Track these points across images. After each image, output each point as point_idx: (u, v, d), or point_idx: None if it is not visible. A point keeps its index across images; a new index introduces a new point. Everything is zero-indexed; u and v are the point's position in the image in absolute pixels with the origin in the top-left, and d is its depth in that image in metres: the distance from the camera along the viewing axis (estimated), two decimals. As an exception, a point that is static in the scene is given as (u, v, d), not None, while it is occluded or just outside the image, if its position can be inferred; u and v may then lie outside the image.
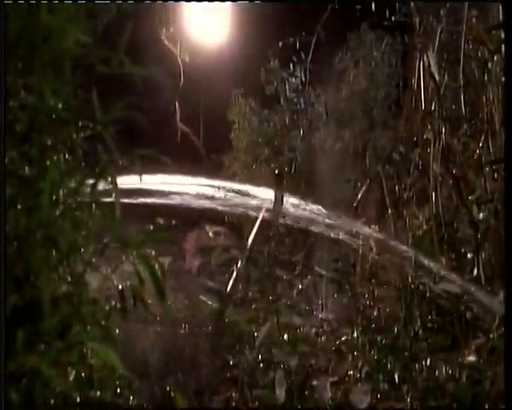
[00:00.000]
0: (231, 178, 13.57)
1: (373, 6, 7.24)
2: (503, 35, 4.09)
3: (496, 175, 4.30)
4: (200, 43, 12.35)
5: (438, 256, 4.26)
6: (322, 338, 4.45)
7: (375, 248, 4.08)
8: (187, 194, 4.50)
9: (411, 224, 4.39)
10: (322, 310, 4.58)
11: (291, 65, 5.78)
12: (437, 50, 4.88)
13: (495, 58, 4.35)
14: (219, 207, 4.42)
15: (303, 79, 5.81)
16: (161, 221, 4.24)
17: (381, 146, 12.76)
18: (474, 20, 4.69)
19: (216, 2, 12.44)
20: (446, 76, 4.86)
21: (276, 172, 4.39)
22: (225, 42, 12.98)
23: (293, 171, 10.34)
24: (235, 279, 4.09)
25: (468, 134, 4.59)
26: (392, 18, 6.73)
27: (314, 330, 4.42)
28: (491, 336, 3.57)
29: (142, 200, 4.48)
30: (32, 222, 1.92)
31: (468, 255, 4.65)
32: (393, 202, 4.56)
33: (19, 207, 2.00)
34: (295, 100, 6.08)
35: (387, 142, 12.70)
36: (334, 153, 11.26)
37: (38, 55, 1.85)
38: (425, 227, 4.47)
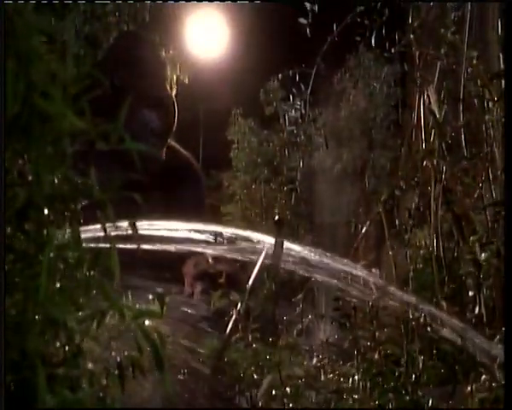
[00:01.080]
0: (231, 198, 13.60)
1: (373, 41, 7.24)
2: (503, 83, 4.10)
3: (497, 216, 4.29)
4: (199, 65, 12.36)
5: (438, 297, 4.24)
6: (322, 377, 4.42)
7: (375, 292, 4.06)
8: (188, 240, 4.49)
9: (412, 266, 4.38)
10: (323, 350, 4.56)
11: (291, 97, 5.79)
12: (437, 88, 4.87)
13: (495, 97, 4.35)
14: (220, 253, 4.41)
15: (303, 111, 5.82)
16: (160, 290, 4.22)
17: (380, 166, 12.81)
18: (474, 61, 4.69)
19: (215, 9, 12.49)
20: (446, 113, 4.86)
21: (276, 218, 4.39)
22: (225, 62, 13.00)
23: (294, 194, 10.33)
24: (234, 322, 4.07)
25: (469, 173, 4.58)
26: (392, 50, 6.74)
27: (313, 370, 4.39)
28: (493, 384, 3.56)
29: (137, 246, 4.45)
30: (29, 302, 1.90)
31: (470, 293, 4.63)
32: (393, 244, 4.55)
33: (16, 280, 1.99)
34: (295, 130, 6.09)
35: (388, 160, 12.76)
36: (334, 174, 11.27)
37: (36, 134, 1.83)
38: (426, 269, 4.47)
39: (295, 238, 12.46)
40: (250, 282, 4.25)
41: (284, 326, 4.69)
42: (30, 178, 2.08)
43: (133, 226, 2.55)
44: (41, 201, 2.09)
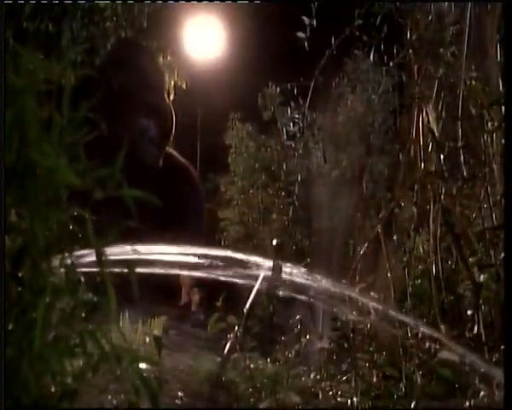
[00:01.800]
0: (228, 203, 13.58)
1: (372, 57, 7.23)
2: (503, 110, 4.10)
3: (496, 239, 4.29)
4: (197, 69, 12.34)
5: (437, 319, 4.24)
6: (320, 396, 4.42)
7: (374, 316, 4.05)
8: (185, 264, 4.48)
9: (411, 283, 4.36)
10: (321, 371, 4.55)
11: (288, 110, 5.78)
12: (436, 106, 4.86)
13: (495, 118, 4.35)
14: (217, 277, 4.40)
15: (301, 124, 5.81)
16: (158, 333, 4.23)
17: (378, 171, 12.79)
18: (473, 81, 4.68)
19: (213, 15, 12.47)
20: (445, 131, 4.86)
21: (275, 242, 4.36)
22: (222, 66, 12.98)
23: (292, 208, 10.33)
24: (232, 343, 4.07)
25: (468, 194, 4.58)
26: (391, 63, 6.73)
27: (311, 391, 4.39)
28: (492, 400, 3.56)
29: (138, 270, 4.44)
30: (23, 354, 1.89)
31: (468, 312, 4.62)
32: (393, 266, 4.53)
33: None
34: (293, 144, 6.09)
35: (385, 166, 12.74)
36: (332, 181, 11.26)
37: (31, 186, 1.82)
38: (424, 287, 4.46)
39: (294, 258, 12.52)
40: (247, 306, 4.24)
41: (282, 346, 4.68)
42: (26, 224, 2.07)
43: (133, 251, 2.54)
44: (35, 251, 2.08)
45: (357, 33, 6.19)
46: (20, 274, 2.08)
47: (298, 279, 4.28)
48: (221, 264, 4.38)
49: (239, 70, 12.88)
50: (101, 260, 2.11)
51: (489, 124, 4.46)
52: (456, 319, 4.50)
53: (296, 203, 8.84)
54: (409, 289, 4.36)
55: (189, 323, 8.74)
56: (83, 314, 2.17)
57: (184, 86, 11.70)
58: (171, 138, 10.31)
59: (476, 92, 4.53)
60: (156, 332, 4.95)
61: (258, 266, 4.41)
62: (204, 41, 12.51)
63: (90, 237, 2.16)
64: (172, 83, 11.52)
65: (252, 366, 4.47)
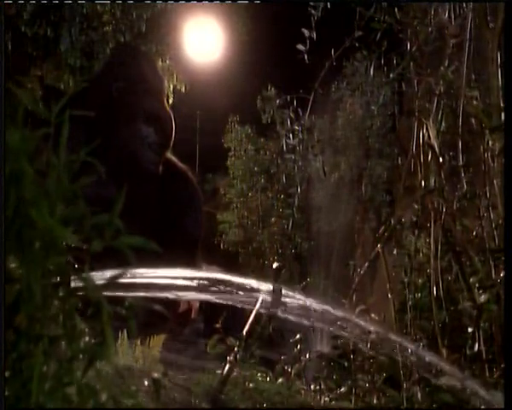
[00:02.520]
0: (227, 206, 13.57)
1: (372, 71, 7.19)
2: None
3: (497, 262, 4.27)
4: (196, 72, 12.32)
5: (438, 342, 4.23)
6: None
7: (374, 338, 4.04)
8: (185, 287, 4.46)
9: (412, 312, 4.35)
10: (320, 385, 4.53)
11: (288, 121, 5.81)
12: (436, 121, 4.85)
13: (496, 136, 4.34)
14: (215, 300, 4.39)
15: (300, 136, 5.82)
16: (157, 375, 4.21)
17: (376, 175, 12.83)
18: (474, 101, 4.67)
19: (212, 17, 12.46)
20: (445, 148, 4.85)
21: (275, 265, 4.37)
22: (222, 69, 12.97)
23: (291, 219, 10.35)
24: (230, 365, 4.05)
25: (469, 213, 4.56)
26: (391, 75, 6.70)
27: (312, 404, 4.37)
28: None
29: (132, 294, 4.43)
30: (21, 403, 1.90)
31: (469, 329, 4.60)
32: (394, 287, 4.52)
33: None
34: (293, 157, 6.10)
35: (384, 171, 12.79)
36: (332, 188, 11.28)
37: (27, 240, 1.81)
38: (425, 306, 4.45)
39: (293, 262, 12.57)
40: (246, 329, 4.22)
41: (281, 366, 4.67)
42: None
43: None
44: (31, 300, 2.07)
45: (356, 44, 6.16)
46: (16, 321, 2.07)
47: (297, 303, 4.27)
48: (220, 287, 4.36)
49: (238, 72, 12.88)
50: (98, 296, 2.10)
51: (490, 142, 4.45)
52: (457, 337, 4.49)
53: (296, 215, 8.83)
54: (408, 304, 4.36)
55: (187, 331, 8.74)
56: (82, 359, 2.16)
57: (184, 90, 11.69)
58: (171, 144, 10.30)
59: (478, 113, 4.51)
60: (156, 350, 4.92)
61: (257, 289, 4.39)
62: (203, 44, 12.49)
63: (89, 287, 2.14)
64: (171, 87, 11.52)
65: (251, 385, 4.45)
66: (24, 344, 2.05)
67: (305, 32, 5.94)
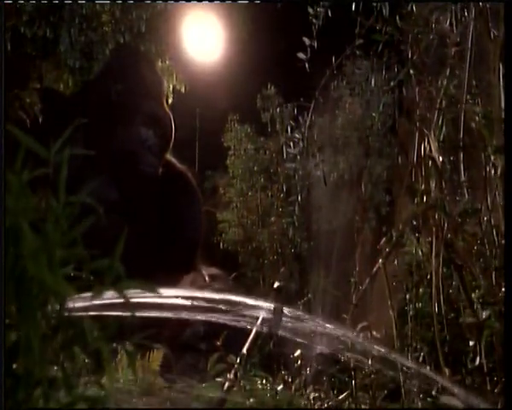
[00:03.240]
0: (227, 205, 13.54)
1: (373, 81, 7.16)
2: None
3: (498, 279, 4.25)
4: (196, 71, 12.28)
5: (440, 363, 4.20)
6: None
7: (375, 356, 4.02)
8: (182, 307, 4.45)
9: (413, 322, 4.32)
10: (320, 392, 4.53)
11: (289, 128, 5.77)
12: (437, 131, 4.81)
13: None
14: (216, 320, 4.37)
15: (301, 144, 5.77)
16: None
17: (376, 174, 12.79)
18: (477, 117, 4.63)
19: (211, 17, 12.41)
20: (448, 165, 4.82)
21: (276, 285, 4.34)
22: (221, 68, 12.93)
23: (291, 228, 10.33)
24: (230, 383, 4.04)
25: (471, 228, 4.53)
26: (391, 83, 6.68)
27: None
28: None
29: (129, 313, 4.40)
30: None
31: (470, 343, 4.58)
32: (396, 303, 4.49)
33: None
34: (294, 165, 6.04)
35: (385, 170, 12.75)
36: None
37: (25, 292, 1.80)
38: (428, 332, 4.42)
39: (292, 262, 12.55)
40: (245, 348, 4.20)
41: (282, 380, 4.66)
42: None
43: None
44: (28, 348, 2.06)
45: (357, 52, 6.13)
46: (14, 367, 2.05)
47: (298, 323, 4.26)
48: (221, 307, 4.35)
49: (238, 71, 12.84)
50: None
51: (492, 157, 4.42)
52: (458, 352, 4.47)
53: (296, 222, 8.82)
54: (409, 326, 4.34)
55: (187, 335, 8.71)
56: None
57: (183, 90, 11.65)
58: (171, 146, 10.27)
59: (480, 128, 4.48)
60: (155, 364, 4.92)
61: (258, 308, 4.38)
62: (203, 43, 12.45)
63: (89, 337, 2.13)
64: (171, 87, 11.48)
65: (252, 400, 4.45)
66: (23, 390, 2.03)
67: (306, 40, 5.91)
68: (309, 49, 5.73)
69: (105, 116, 9.31)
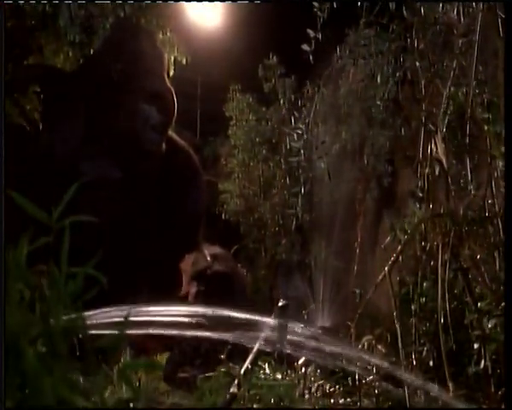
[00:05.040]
0: (228, 175, 13.48)
1: (379, 78, 7.06)
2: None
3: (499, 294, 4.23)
4: (197, 41, 12.14)
5: (443, 375, 4.19)
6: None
7: (380, 369, 4.03)
8: (184, 324, 4.44)
9: (417, 351, 4.30)
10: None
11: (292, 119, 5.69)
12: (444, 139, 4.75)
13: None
14: (217, 337, 4.37)
15: (305, 136, 5.69)
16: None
17: (379, 145, 12.70)
18: (485, 127, 4.56)
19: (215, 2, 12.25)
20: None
21: (280, 303, 4.33)
22: (223, 38, 12.80)
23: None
24: (231, 396, 4.05)
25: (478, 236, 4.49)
26: (397, 74, 6.59)
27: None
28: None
29: (135, 331, 4.42)
30: None
31: (475, 346, 4.58)
32: (401, 315, 4.45)
33: None
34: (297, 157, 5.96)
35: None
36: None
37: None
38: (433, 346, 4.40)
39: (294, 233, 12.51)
40: (246, 365, 4.19)
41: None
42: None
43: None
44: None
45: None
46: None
47: (302, 340, 4.25)
48: (223, 324, 4.35)
49: (239, 41, 12.72)
50: None
51: (499, 163, 4.38)
52: (463, 362, 4.47)
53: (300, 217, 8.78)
54: (415, 335, 4.32)
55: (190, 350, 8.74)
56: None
57: (185, 62, 11.52)
58: (173, 122, 10.18)
59: (489, 134, 4.43)
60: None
61: (260, 324, 4.37)
62: (204, 14, 12.30)
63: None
64: (172, 58, 11.35)
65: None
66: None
67: (310, 32, 5.84)
68: (313, 42, 5.67)
69: (106, 95, 9.21)
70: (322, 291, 12.04)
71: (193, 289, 8.92)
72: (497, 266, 4.32)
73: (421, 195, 4.67)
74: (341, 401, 4.54)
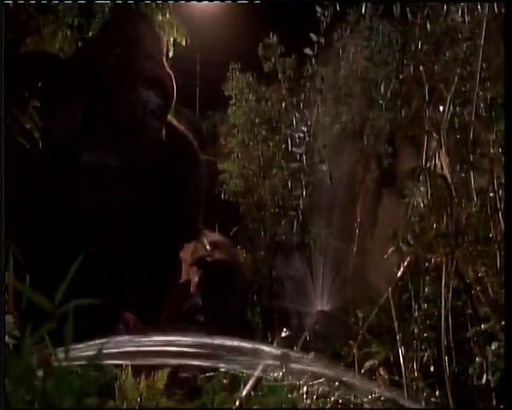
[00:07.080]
0: (228, 155, 13.40)
1: (382, 88, 6.98)
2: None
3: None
4: (196, 19, 12.02)
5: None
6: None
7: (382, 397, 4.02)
8: (184, 353, 4.42)
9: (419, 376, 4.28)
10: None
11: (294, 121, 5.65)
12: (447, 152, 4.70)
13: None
14: (217, 365, 4.34)
15: (307, 138, 5.62)
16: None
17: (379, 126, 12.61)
18: (491, 141, 4.51)
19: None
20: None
21: (283, 335, 4.30)
22: (222, 17, 12.67)
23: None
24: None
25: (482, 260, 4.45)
26: (400, 76, 6.53)
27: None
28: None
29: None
30: None
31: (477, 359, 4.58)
32: (404, 335, 4.43)
33: None
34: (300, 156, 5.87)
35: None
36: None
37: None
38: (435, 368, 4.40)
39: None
40: (246, 391, 4.18)
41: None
42: None
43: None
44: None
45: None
46: None
47: (304, 367, 4.24)
48: (223, 353, 4.32)
49: (239, 19, 12.59)
50: None
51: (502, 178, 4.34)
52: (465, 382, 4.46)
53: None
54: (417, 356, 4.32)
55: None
56: None
57: (184, 43, 11.39)
58: (172, 106, 10.08)
59: (494, 159, 4.38)
60: (160, 383, 4.91)
61: (260, 353, 4.34)
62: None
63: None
64: (172, 39, 11.22)
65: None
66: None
67: (313, 36, 5.77)
68: (316, 46, 5.60)
69: (104, 80, 9.11)
70: (322, 272, 12.04)
71: (194, 278, 8.90)
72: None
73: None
74: (341, 400, 4.53)
